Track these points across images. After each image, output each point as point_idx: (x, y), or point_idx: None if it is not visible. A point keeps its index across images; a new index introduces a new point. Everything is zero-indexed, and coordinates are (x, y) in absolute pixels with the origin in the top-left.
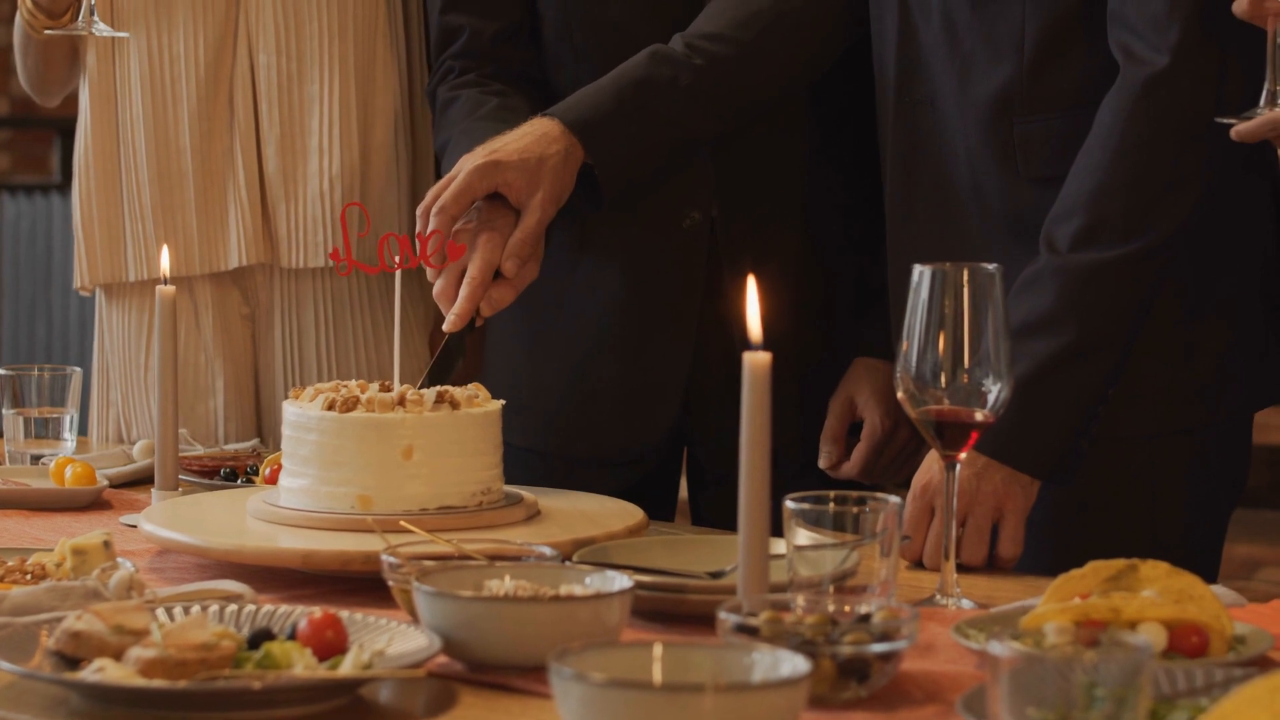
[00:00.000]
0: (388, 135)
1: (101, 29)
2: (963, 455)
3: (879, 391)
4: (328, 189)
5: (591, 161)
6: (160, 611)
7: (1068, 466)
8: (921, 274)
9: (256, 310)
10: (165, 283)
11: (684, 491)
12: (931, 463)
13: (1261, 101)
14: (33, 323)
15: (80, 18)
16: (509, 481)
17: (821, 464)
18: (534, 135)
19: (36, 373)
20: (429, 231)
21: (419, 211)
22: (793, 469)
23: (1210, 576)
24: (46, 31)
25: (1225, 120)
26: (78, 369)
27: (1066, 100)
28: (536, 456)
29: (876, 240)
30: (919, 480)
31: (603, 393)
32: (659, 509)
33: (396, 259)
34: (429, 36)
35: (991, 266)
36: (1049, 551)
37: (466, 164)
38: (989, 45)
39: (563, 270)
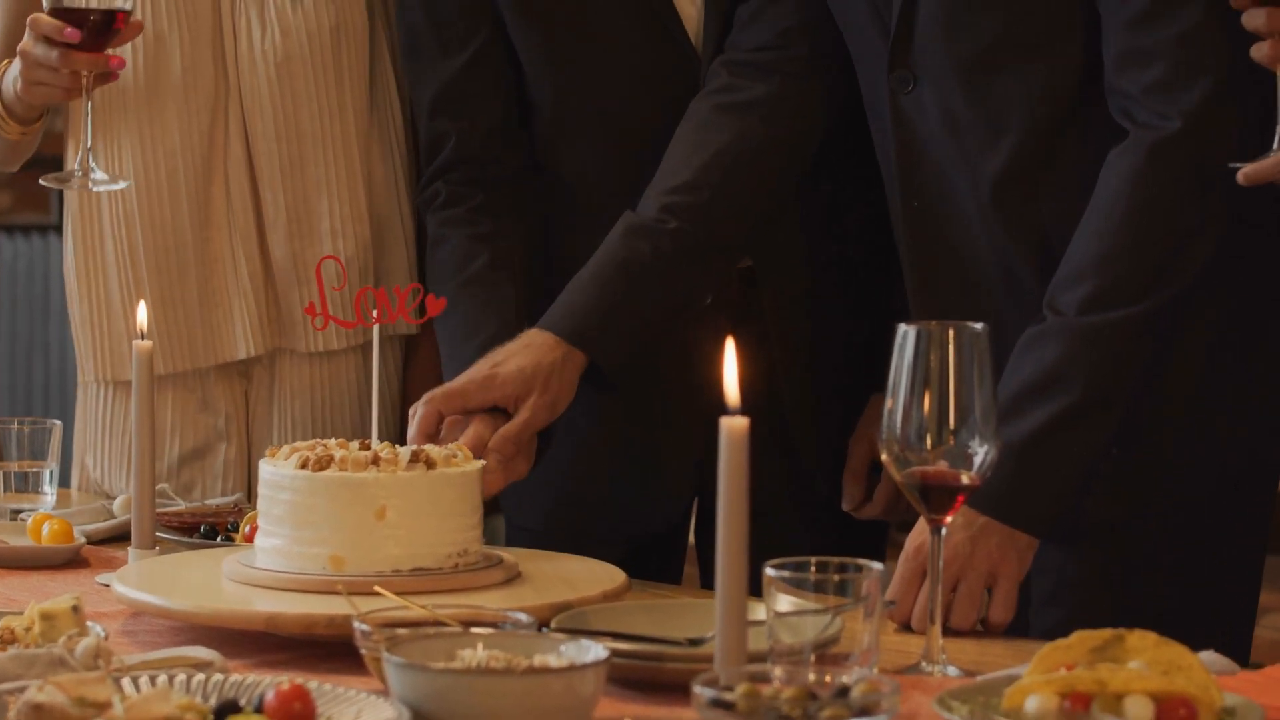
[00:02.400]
0: (392, 205)
1: (98, 180)
2: (948, 519)
3: None
4: (345, 271)
5: (595, 362)
6: (126, 681)
7: (1065, 524)
8: (905, 333)
9: (254, 368)
10: (141, 337)
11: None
12: (926, 524)
13: (1275, 145)
14: (30, 362)
15: (77, 164)
16: None
17: (845, 505)
18: (533, 346)
19: (16, 426)
20: (415, 419)
21: (411, 409)
22: (815, 511)
23: (1247, 626)
24: (41, 181)
25: (1236, 165)
26: (58, 422)
27: (1093, 171)
28: (544, 536)
29: (892, 274)
30: (913, 542)
31: (615, 473)
32: (667, 555)
33: (374, 313)
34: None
35: (979, 326)
36: (1070, 612)
37: (466, 376)
38: (996, 133)
39: None
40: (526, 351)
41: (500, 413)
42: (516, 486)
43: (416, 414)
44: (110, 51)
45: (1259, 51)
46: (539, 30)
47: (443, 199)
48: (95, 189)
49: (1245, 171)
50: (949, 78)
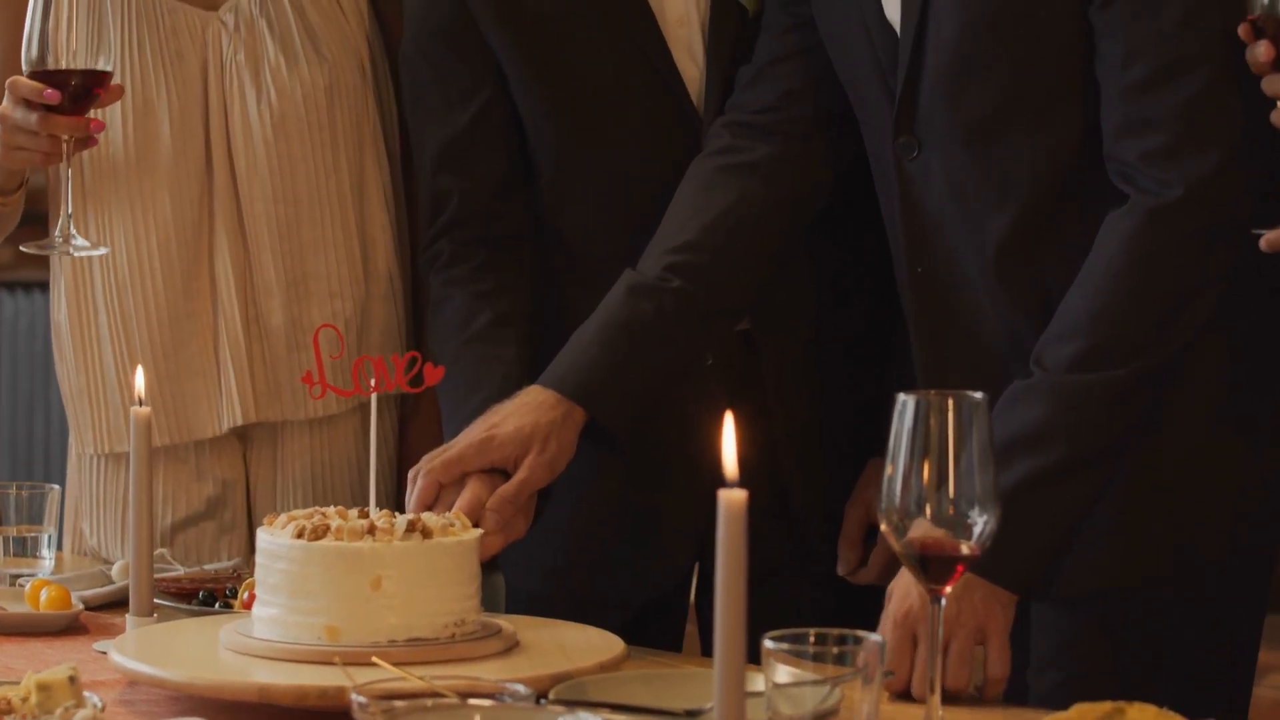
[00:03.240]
0: (388, 264)
1: (79, 245)
2: (948, 589)
3: None
4: (342, 331)
5: (597, 420)
6: None
7: (1045, 582)
8: (905, 402)
9: (254, 432)
10: (139, 403)
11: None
12: (909, 588)
13: None
14: (31, 420)
15: (58, 230)
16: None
17: (840, 570)
18: (531, 405)
19: (15, 491)
20: (414, 489)
21: (410, 473)
22: (817, 575)
23: (1245, 687)
24: (23, 248)
25: (1259, 231)
26: (56, 487)
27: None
28: (543, 597)
29: (895, 335)
30: (898, 609)
31: (615, 539)
32: (669, 617)
33: (371, 382)
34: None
35: (978, 395)
36: (1069, 674)
37: (463, 439)
38: (1001, 198)
39: None
40: (524, 411)
41: (498, 471)
42: (515, 547)
43: (415, 485)
44: (91, 114)
45: (1278, 119)
46: (541, 88)
47: (445, 258)
48: (76, 254)
49: (1268, 239)
50: (954, 143)
